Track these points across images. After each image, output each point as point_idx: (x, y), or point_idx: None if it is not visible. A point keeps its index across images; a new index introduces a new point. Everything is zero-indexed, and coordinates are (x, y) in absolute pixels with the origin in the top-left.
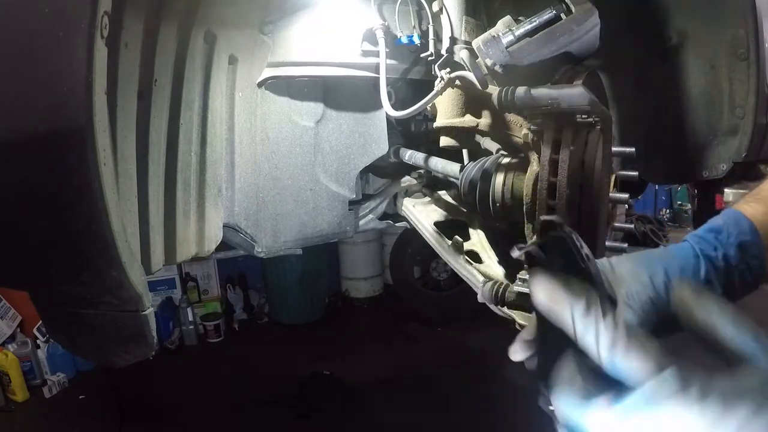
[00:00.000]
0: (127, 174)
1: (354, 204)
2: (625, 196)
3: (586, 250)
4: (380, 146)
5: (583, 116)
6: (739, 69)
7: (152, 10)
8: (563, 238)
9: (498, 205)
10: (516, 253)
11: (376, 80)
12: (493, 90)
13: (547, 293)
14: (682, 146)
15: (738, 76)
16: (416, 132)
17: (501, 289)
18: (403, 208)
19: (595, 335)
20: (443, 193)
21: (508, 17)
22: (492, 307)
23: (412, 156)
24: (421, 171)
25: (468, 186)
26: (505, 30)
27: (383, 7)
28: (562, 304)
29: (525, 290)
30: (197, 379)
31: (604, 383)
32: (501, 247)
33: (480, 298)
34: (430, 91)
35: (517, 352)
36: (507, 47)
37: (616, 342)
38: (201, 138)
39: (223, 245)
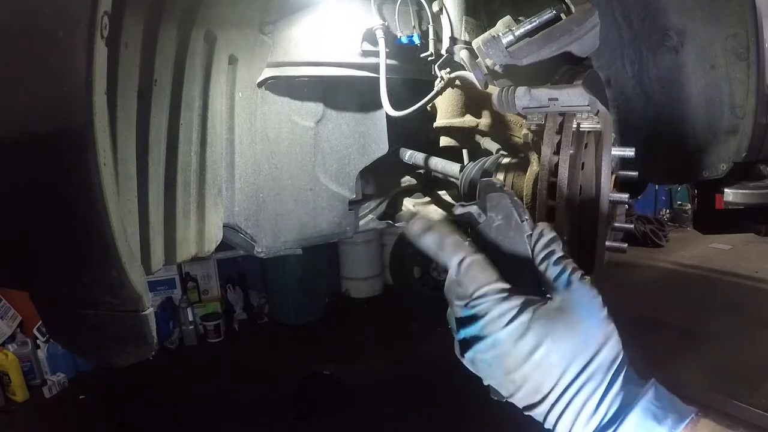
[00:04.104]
0: (127, 174)
1: (354, 204)
2: (625, 196)
3: (523, 210)
4: (380, 146)
5: (583, 116)
6: (739, 69)
7: (152, 10)
8: (504, 196)
9: None
10: (458, 210)
11: (376, 80)
12: (493, 90)
13: (421, 228)
14: (682, 146)
15: (738, 76)
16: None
17: None
18: (403, 208)
19: (451, 257)
20: (443, 193)
21: (508, 17)
22: None
23: (412, 156)
24: (421, 171)
25: (468, 186)
26: (505, 30)
27: (383, 7)
28: (428, 238)
29: None
30: (197, 379)
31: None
32: None
33: None
34: (430, 91)
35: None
36: (507, 47)
37: (461, 262)
38: (201, 138)
39: (223, 245)
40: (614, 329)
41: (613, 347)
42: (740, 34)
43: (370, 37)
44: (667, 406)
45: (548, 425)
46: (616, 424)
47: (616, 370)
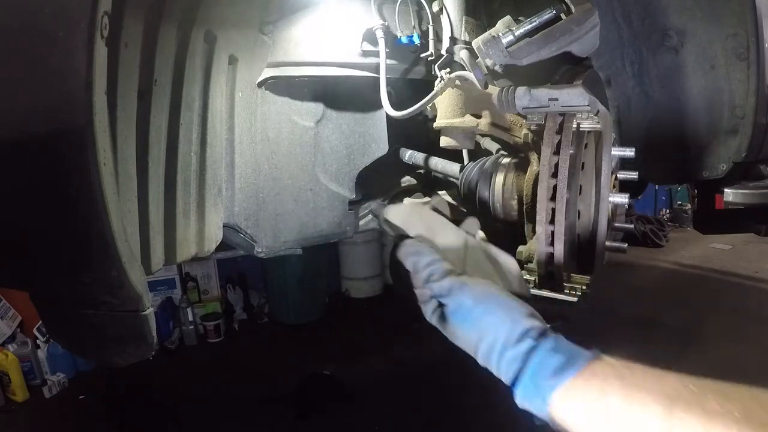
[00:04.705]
0: (127, 174)
1: (354, 204)
2: (625, 196)
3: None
4: (380, 146)
5: (583, 116)
6: (739, 69)
7: (152, 10)
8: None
9: (498, 205)
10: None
11: (376, 80)
12: (493, 90)
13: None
14: (682, 146)
15: (738, 76)
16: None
17: None
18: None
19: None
20: (443, 193)
21: (508, 17)
22: None
23: (412, 156)
24: (421, 171)
25: (468, 186)
26: (505, 30)
27: (383, 7)
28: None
29: None
30: (197, 379)
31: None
32: (501, 247)
33: None
34: (430, 91)
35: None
36: (507, 47)
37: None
38: (201, 138)
39: (223, 245)
40: (517, 310)
41: (503, 331)
42: (740, 34)
43: (370, 37)
44: (562, 360)
45: None
46: (519, 380)
47: (516, 341)
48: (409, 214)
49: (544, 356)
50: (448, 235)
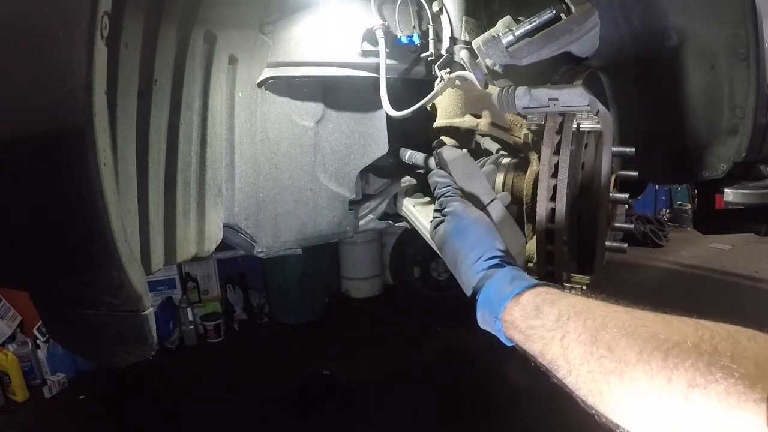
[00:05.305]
0: (127, 174)
1: (354, 204)
2: (625, 196)
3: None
4: (380, 146)
5: (583, 116)
6: (739, 69)
7: (152, 10)
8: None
9: None
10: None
11: (376, 80)
12: (493, 90)
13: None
14: (682, 146)
15: (738, 76)
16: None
17: None
18: (403, 208)
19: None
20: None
21: (508, 17)
22: None
23: (412, 156)
24: (421, 171)
25: None
26: (505, 30)
27: (383, 7)
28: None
29: None
30: (197, 379)
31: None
32: None
33: None
34: (430, 91)
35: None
36: (507, 47)
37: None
38: (201, 138)
39: (223, 245)
40: (484, 233)
41: (479, 248)
42: (740, 34)
43: (370, 37)
44: (517, 277)
45: None
46: (479, 291)
47: (487, 259)
48: (459, 158)
49: (505, 274)
50: (477, 189)
